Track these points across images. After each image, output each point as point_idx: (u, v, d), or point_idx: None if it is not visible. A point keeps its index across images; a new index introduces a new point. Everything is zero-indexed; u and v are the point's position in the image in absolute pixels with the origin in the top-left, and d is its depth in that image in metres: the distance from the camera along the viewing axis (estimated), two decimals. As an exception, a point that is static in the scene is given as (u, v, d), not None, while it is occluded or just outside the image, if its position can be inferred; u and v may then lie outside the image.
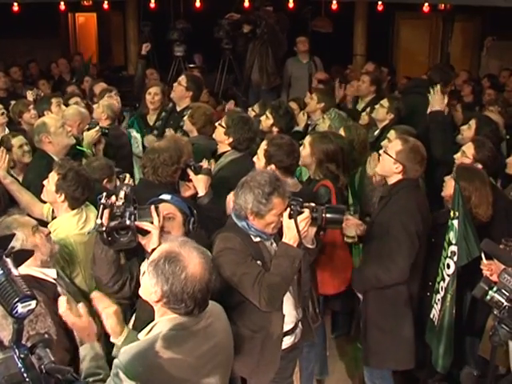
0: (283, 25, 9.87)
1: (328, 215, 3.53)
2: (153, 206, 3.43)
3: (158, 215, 3.41)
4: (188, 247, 2.72)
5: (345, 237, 4.48)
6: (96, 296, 3.10)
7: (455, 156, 5.08)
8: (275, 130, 5.84)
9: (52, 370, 2.22)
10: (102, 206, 3.33)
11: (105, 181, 4.83)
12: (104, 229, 3.30)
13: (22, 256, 2.42)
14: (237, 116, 5.27)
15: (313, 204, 3.56)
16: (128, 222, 3.30)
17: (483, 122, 5.64)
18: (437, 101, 5.84)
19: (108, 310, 3.01)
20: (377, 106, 6.59)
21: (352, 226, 4.43)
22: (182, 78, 6.82)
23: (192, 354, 2.75)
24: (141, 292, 2.84)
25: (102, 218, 3.29)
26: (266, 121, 5.92)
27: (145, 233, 3.40)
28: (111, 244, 3.35)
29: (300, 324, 3.87)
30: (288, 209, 3.48)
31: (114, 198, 3.38)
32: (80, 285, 4.13)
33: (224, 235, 3.62)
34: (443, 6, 11.77)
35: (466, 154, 4.94)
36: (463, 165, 4.60)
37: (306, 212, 3.47)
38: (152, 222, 3.38)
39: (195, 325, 2.77)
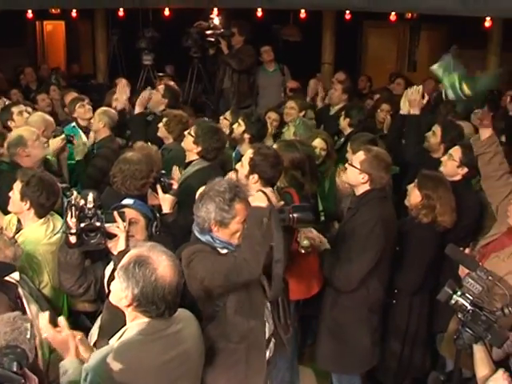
0: (245, 32, 9.91)
1: (295, 215, 3.50)
2: (115, 212, 3.51)
3: (124, 220, 3.50)
4: (157, 251, 2.80)
5: (299, 247, 4.47)
6: (62, 324, 3.10)
7: (442, 159, 5.16)
8: (247, 136, 5.86)
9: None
10: (73, 207, 3.37)
11: None
12: (74, 230, 3.35)
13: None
14: (206, 125, 5.28)
15: (279, 204, 3.53)
16: (98, 224, 3.36)
17: (448, 127, 5.69)
18: (415, 102, 5.77)
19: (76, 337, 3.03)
20: (341, 116, 6.70)
21: (308, 237, 4.43)
22: (161, 86, 7.05)
23: (160, 358, 2.79)
24: (111, 298, 2.88)
25: (72, 219, 3.34)
26: (238, 128, 5.94)
27: (111, 236, 3.48)
28: (80, 245, 3.41)
29: (273, 338, 3.83)
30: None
31: (82, 200, 3.44)
32: (49, 294, 4.13)
33: (189, 247, 3.51)
34: (410, 14, 11.93)
35: (453, 158, 5.04)
36: (425, 173, 4.67)
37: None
38: (118, 226, 3.47)
39: (164, 330, 2.82)
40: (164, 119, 6.02)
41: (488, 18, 9.84)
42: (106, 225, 3.46)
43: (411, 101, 5.77)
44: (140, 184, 4.42)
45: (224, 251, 3.51)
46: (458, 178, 5.01)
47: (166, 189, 4.46)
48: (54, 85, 9.55)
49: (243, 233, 3.37)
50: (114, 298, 2.86)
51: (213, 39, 9.74)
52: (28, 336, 2.69)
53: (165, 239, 3.64)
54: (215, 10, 10.33)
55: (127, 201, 3.76)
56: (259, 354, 3.63)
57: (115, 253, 3.40)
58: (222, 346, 3.44)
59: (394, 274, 4.51)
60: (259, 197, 3.39)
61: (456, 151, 5.05)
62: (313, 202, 5.14)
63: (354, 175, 4.47)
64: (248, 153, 4.47)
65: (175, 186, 4.51)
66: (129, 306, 2.78)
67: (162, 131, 5.97)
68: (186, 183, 4.88)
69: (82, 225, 3.36)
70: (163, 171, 4.64)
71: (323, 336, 4.60)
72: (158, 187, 4.43)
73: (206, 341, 3.20)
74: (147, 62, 10.43)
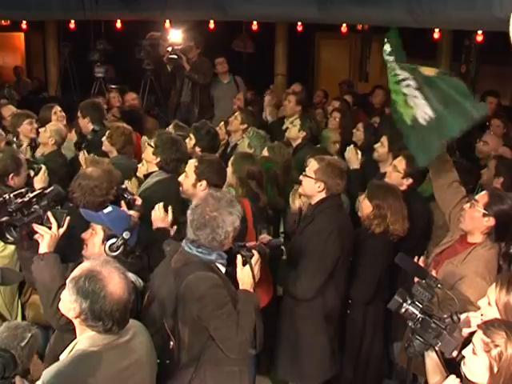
0: (201, 45, 9.93)
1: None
2: (49, 212, 3.47)
3: (60, 222, 3.48)
4: (109, 267, 2.80)
5: None
6: None
7: (387, 170, 5.23)
8: (198, 149, 5.86)
9: None
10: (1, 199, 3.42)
11: (11, 175, 4.72)
12: None
13: None
14: (166, 136, 5.28)
15: (252, 243, 3.58)
16: (17, 222, 3.36)
17: (394, 137, 5.66)
18: (353, 161, 5.84)
19: None
20: (290, 125, 6.68)
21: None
22: (78, 112, 6.85)
23: (113, 368, 2.80)
24: (60, 306, 2.90)
25: None
26: (190, 141, 5.93)
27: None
28: (0, 237, 3.42)
29: None
30: (239, 256, 3.43)
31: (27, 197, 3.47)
32: (0, 309, 4.07)
33: (201, 274, 3.36)
34: (361, 26, 12.07)
35: (398, 169, 5.09)
36: (375, 183, 4.72)
37: (256, 254, 3.44)
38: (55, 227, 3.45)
39: (115, 340, 2.82)
40: (107, 132, 5.95)
41: (437, 30, 10.01)
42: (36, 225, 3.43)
43: (349, 159, 5.86)
44: (98, 201, 4.15)
45: (223, 269, 3.49)
46: (403, 187, 5.05)
47: (131, 205, 4.29)
48: (5, 98, 9.39)
49: (240, 311, 3.35)
50: (62, 307, 2.87)
51: (175, 56, 9.72)
52: (22, 344, 2.70)
53: (134, 265, 3.61)
54: (167, 22, 10.34)
55: (108, 209, 3.69)
56: (248, 374, 3.66)
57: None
58: (227, 369, 3.45)
59: (349, 285, 4.54)
60: (246, 274, 3.40)
61: (400, 162, 5.12)
62: (271, 215, 5.15)
63: (310, 185, 4.49)
64: (191, 162, 4.50)
65: (139, 202, 4.34)
66: (76, 318, 2.79)
67: (105, 145, 5.88)
68: (145, 195, 4.77)
69: (4, 219, 3.36)
70: (123, 186, 4.52)
71: (281, 345, 4.59)
72: (123, 204, 4.24)
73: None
74: (99, 74, 10.40)
